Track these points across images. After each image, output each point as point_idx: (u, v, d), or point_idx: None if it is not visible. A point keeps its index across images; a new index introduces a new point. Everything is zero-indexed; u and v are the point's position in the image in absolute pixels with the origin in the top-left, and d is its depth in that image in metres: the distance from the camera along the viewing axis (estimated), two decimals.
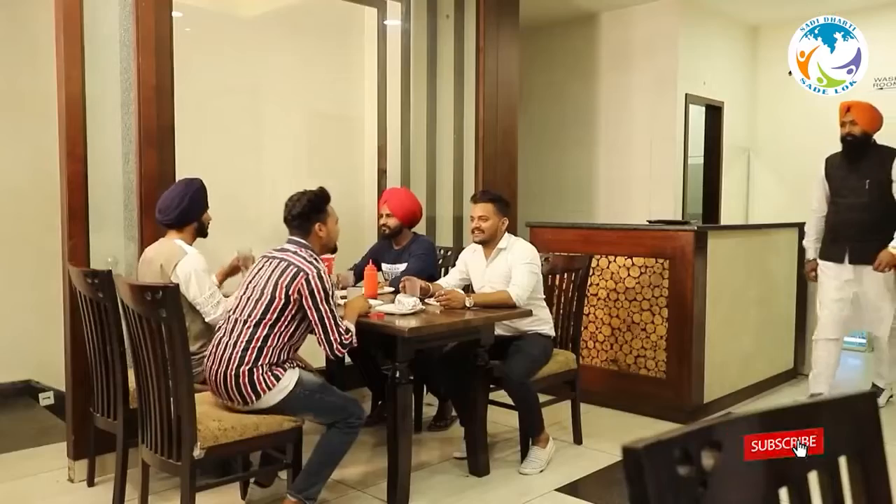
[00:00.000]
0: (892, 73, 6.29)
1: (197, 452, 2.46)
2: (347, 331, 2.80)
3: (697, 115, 6.63)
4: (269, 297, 2.71)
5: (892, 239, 4.07)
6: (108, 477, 3.14)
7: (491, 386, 3.47)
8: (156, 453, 2.58)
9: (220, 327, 2.84)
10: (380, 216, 4.06)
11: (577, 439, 3.79)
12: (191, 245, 3.16)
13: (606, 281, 4.48)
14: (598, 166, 6.76)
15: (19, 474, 3.35)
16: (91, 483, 3.20)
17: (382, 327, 2.98)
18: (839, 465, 0.87)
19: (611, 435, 3.92)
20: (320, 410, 2.80)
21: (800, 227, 5.28)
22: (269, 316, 2.70)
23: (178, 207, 3.12)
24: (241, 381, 2.66)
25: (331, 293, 2.76)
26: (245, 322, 2.71)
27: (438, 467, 3.49)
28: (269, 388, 2.67)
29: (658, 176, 6.39)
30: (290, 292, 2.70)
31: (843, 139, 4.21)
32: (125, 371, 2.91)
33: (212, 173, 4.20)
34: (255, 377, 2.66)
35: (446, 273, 4.07)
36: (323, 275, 2.75)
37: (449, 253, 4.45)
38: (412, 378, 3.00)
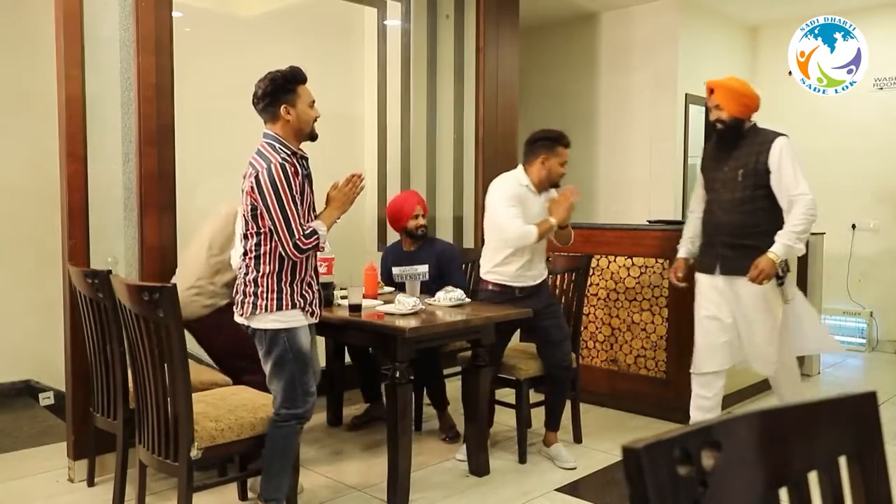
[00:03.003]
0: (892, 73, 6.29)
1: (194, 453, 2.46)
2: (311, 234, 2.56)
3: (697, 115, 6.62)
4: (243, 205, 2.64)
5: (773, 243, 3.27)
6: (108, 477, 3.14)
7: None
8: (153, 454, 2.58)
9: None
10: (413, 217, 3.86)
11: (577, 438, 3.80)
12: None
13: (606, 281, 4.48)
14: (598, 166, 6.76)
15: (19, 474, 3.35)
16: (91, 483, 3.20)
17: (382, 327, 2.98)
18: (839, 465, 0.87)
19: (611, 435, 3.93)
20: (279, 374, 2.63)
21: None
22: (250, 225, 2.61)
23: None
24: (248, 289, 2.62)
25: (283, 191, 2.51)
26: (244, 235, 2.68)
27: (438, 467, 3.49)
28: (266, 311, 2.59)
29: (658, 176, 6.39)
30: (250, 194, 2.58)
31: (713, 126, 3.44)
32: (125, 371, 2.91)
33: (212, 173, 4.21)
34: (259, 290, 2.60)
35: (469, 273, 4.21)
36: (275, 169, 2.52)
37: None
38: (412, 378, 3.01)
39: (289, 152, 2.61)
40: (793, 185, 3.24)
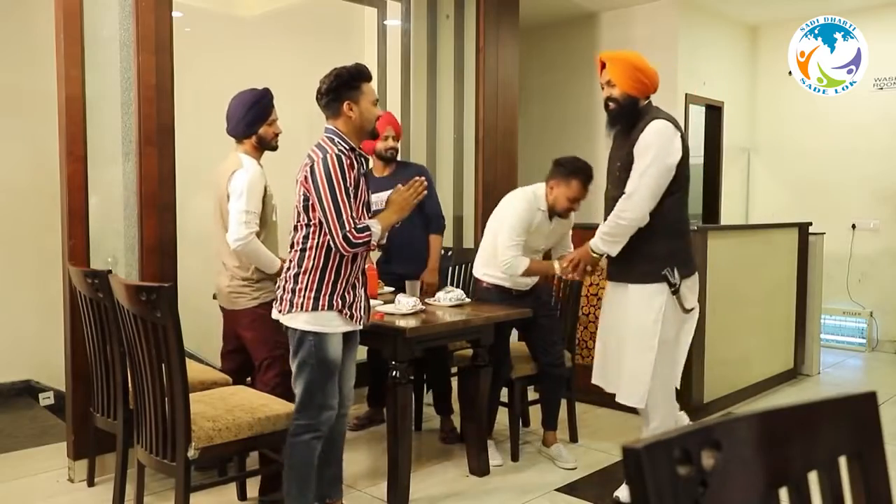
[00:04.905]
0: (892, 73, 6.29)
1: (191, 453, 2.45)
2: (364, 229, 2.49)
3: (697, 115, 6.63)
4: (296, 196, 2.57)
5: (662, 247, 2.88)
6: (108, 477, 3.14)
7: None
8: (151, 454, 2.58)
9: None
10: (382, 139, 3.71)
11: (573, 438, 3.81)
12: (258, 158, 3.15)
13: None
14: (598, 166, 6.74)
15: (19, 474, 3.35)
16: (91, 483, 3.20)
17: (382, 327, 2.98)
18: (839, 465, 0.87)
19: (610, 435, 3.93)
20: (298, 378, 2.57)
21: (800, 227, 5.30)
22: (301, 217, 2.55)
23: (231, 119, 3.13)
24: (286, 285, 2.56)
25: (336, 181, 2.45)
26: (293, 227, 2.61)
27: (438, 467, 3.50)
28: (301, 310, 2.51)
29: None
30: (304, 184, 2.52)
31: (605, 106, 3.01)
32: (125, 371, 2.90)
33: (211, 173, 4.21)
34: (298, 287, 2.53)
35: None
36: (331, 160, 2.46)
37: (450, 253, 4.44)
38: (412, 378, 3.01)
39: (347, 147, 2.56)
40: (634, 176, 2.83)
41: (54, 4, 3.18)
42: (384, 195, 3.69)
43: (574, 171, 3.35)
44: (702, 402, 4.26)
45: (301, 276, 2.54)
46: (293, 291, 2.54)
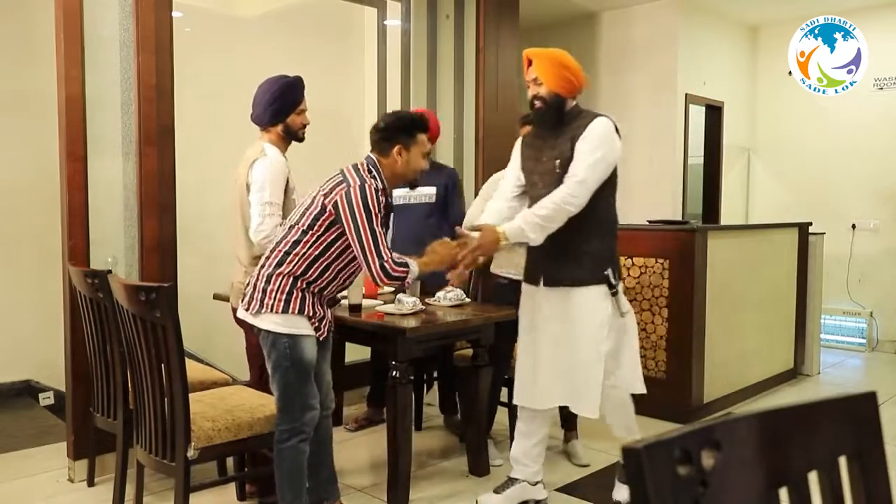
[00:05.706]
0: (892, 73, 6.29)
1: (191, 453, 2.45)
2: (403, 264, 2.51)
3: (697, 115, 6.63)
4: (308, 202, 2.57)
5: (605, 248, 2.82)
6: (108, 477, 3.14)
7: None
8: (150, 454, 2.58)
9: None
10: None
11: (574, 437, 3.80)
12: (284, 150, 3.01)
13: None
14: None
15: (19, 474, 3.35)
16: (91, 483, 3.20)
17: (382, 327, 2.98)
18: (839, 465, 0.87)
19: (610, 435, 3.92)
20: (275, 381, 2.55)
21: (800, 227, 5.30)
22: (303, 220, 2.53)
23: (256, 105, 3.02)
24: (258, 283, 2.53)
25: (374, 213, 2.46)
26: (288, 227, 2.59)
27: (438, 467, 3.49)
28: (271, 311, 2.49)
29: (658, 176, 6.39)
30: (327, 201, 2.50)
31: (531, 104, 2.91)
32: (125, 371, 2.90)
33: (211, 173, 4.21)
34: (270, 287, 2.50)
35: None
36: (368, 191, 2.47)
37: None
38: (412, 378, 3.01)
39: (381, 186, 2.58)
40: (575, 166, 2.72)
41: (54, 4, 3.18)
42: (414, 193, 3.70)
43: (519, 121, 3.53)
44: (702, 402, 4.27)
45: (275, 276, 2.52)
46: (264, 291, 2.52)
